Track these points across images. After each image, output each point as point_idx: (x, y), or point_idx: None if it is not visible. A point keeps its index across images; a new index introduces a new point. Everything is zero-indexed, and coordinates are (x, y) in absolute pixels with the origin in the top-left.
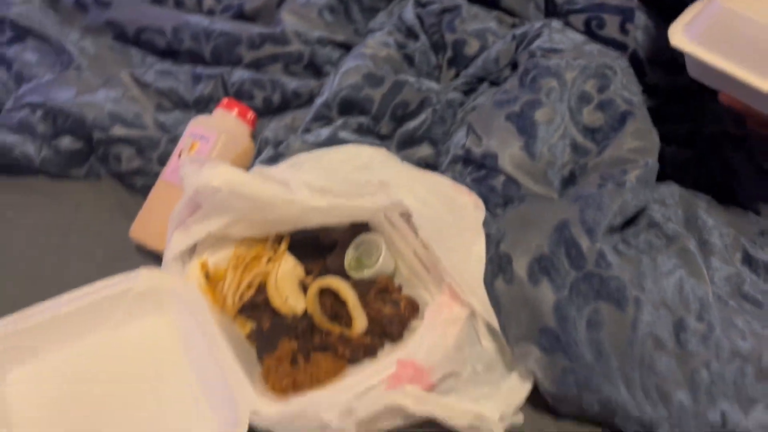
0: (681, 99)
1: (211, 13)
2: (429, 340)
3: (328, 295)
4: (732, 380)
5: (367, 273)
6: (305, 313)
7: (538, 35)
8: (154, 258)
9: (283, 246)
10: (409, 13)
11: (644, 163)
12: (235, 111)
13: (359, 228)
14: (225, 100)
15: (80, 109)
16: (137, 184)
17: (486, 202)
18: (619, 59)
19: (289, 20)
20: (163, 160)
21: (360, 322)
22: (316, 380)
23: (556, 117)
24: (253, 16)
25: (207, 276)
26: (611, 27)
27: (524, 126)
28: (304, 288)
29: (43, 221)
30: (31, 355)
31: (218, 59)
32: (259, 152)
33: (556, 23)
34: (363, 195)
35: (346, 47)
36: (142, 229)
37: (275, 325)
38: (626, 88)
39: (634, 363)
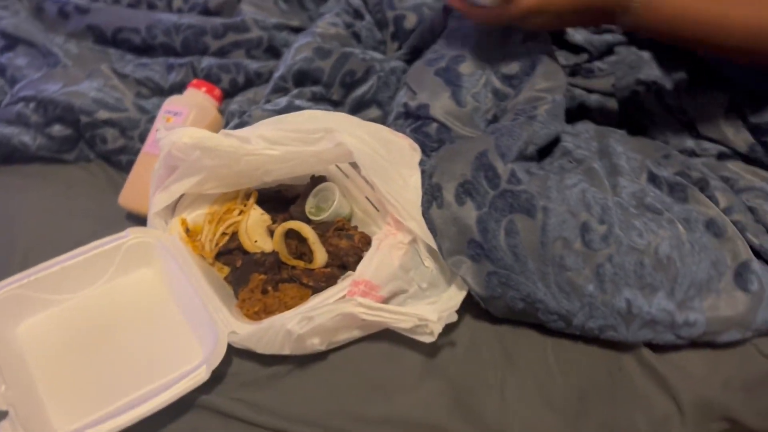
0: (601, 56)
1: (179, 11)
2: (377, 260)
3: (292, 237)
4: (632, 271)
5: (324, 216)
6: (273, 252)
7: None
8: (142, 222)
9: (252, 199)
10: None
11: (552, 99)
12: (204, 89)
13: (318, 181)
14: (194, 81)
15: (68, 98)
16: (123, 161)
17: (423, 147)
18: None
19: (248, 10)
20: (143, 138)
21: (320, 255)
22: (284, 305)
23: (478, 69)
24: (217, 11)
25: (187, 230)
26: None
27: (450, 78)
28: (272, 233)
29: (40, 201)
30: (39, 306)
31: (188, 49)
32: (226, 124)
33: None
34: (312, 141)
35: (301, 31)
36: (129, 196)
37: (246, 262)
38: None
39: (547, 262)
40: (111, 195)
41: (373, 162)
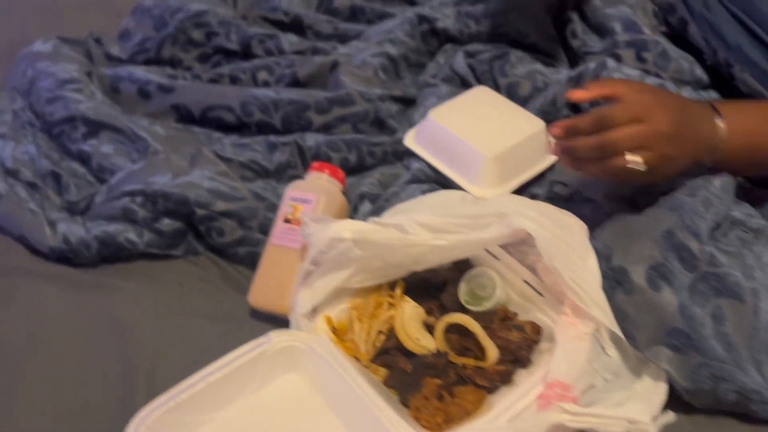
0: None
1: (266, 84)
2: (566, 357)
3: (452, 331)
4: None
5: (486, 304)
6: (439, 351)
7: (596, 75)
8: (265, 319)
9: (399, 290)
10: (461, 64)
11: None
12: (327, 171)
13: (463, 264)
14: (316, 164)
15: (181, 190)
16: (241, 253)
17: None
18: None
19: (350, 82)
20: (263, 228)
21: (492, 351)
22: (465, 412)
23: None
24: (306, 82)
25: (334, 330)
26: (628, 59)
27: None
28: (427, 327)
29: (152, 304)
30: (191, 428)
31: (289, 126)
32: (354, 208)
33: (611, 62)
34: (481, 227)
35: (402, 101)
36: (261, 294)
37: (416, 365)
38: None
39: (761, 348)
40: (228, 290)
41: (553, 245)
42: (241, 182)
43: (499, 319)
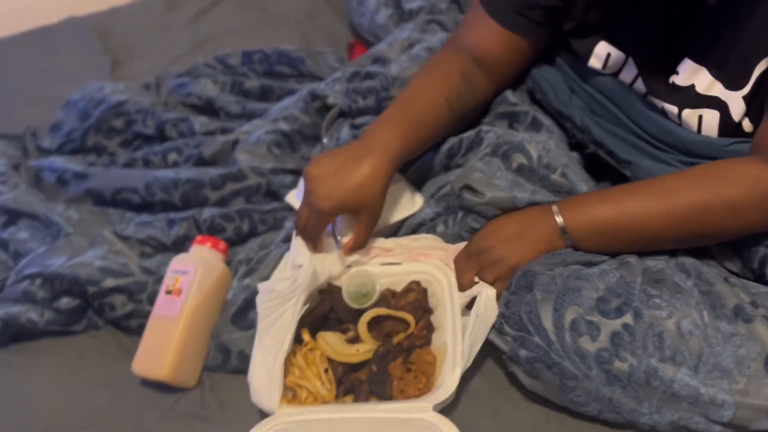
0: None
1: (175, 165)
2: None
3: (371, 330)
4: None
5: (374, 296)
6: (383, 342)
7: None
8: (157, 387)
9: (307, 335)
10: (346, 134)
11: None
12: (208, 244)
13: (331, 288)
14: (198, 237)
15: (73, 270)
16: (133, 326)
17: None
18: None
19: (243, 158)
20: (152, 300)
21: (409, 317)
22: (432, 364)
23: None
24: (212, 161)
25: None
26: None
27: None
28: (351, 340)
29: (53, 377)
30: None
31: (188, 203)
32: (234, 273)
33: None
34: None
35: (297, 172)
36: (143, 362)
37: (377, 363)
38: None
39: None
40: (124, 361)
41: None
42: (135, 258)
43: (391, 297)
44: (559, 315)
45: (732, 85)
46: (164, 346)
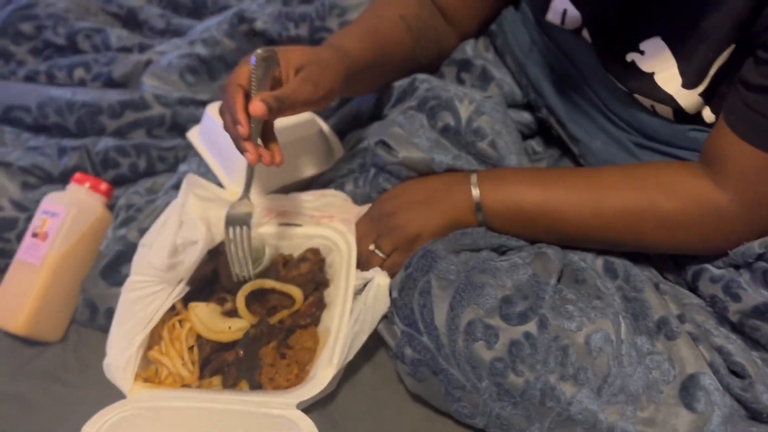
0: None
1: (82, 83)
2: None
3: (253, 302)
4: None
5: (264, 262)
6: (255, 323)
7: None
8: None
9: (179, 303)
10: None
11: None
12: (87, 184)
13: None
14: (77, 175)
15: None
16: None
17: None
18: None
19: (149, 84)
20: (22, 239)
21: (295, 292)
22: (310, 351)
23: None
24: (123, 82)
25: (146, 380)
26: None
27: None
28: (229, 314)
29: None
30: None
31: (83, 130)
32: (115, 218)
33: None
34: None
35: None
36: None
37: (245, 347)
38: None
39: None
40: None
41: None
42: (11, 189)
43: (282, 265)
44: (455, 314)
45: (689, 83)
46: (22, 295)
